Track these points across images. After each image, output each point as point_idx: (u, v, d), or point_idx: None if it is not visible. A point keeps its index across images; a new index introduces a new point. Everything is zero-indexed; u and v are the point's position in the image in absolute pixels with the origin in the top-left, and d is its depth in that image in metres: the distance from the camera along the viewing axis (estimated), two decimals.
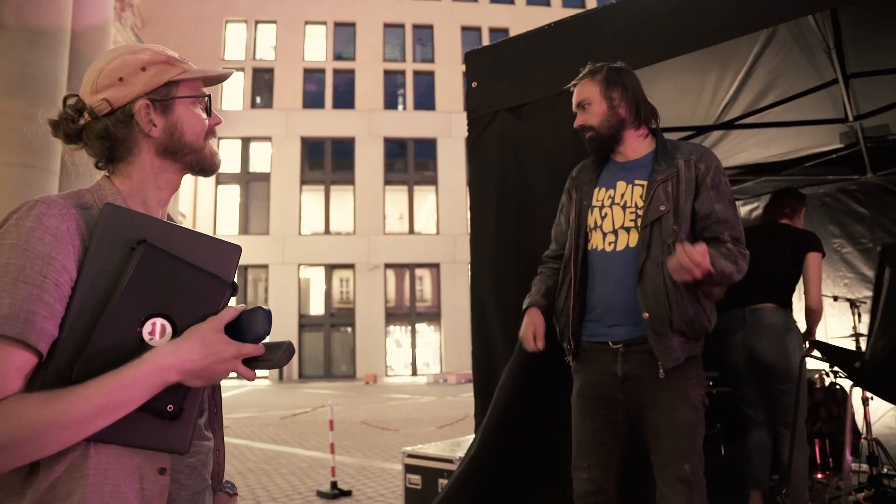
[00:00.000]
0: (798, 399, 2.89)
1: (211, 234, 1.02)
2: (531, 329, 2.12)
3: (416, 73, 28.84)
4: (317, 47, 28.63)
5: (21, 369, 0.82)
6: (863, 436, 3.59)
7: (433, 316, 27.01)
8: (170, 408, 0.91)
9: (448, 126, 27.56)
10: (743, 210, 5.19)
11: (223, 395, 1.15)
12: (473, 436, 2.91)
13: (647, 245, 1.95)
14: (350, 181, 27.29)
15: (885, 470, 3.51)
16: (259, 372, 0.95)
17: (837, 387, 3.74)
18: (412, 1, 29.07)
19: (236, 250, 1.00)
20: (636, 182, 2.05)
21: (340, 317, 26.60)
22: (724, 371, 3.54)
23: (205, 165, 1.07)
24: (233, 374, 0.94)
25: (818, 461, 3.56)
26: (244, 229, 26.59)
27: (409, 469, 3.48)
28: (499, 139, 3.06)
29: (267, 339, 0.95)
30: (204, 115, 1.07)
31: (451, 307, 26.01)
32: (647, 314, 1.92)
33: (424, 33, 29.24)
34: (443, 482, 3.21)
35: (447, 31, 29.04)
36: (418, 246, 26.97)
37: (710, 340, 2.11)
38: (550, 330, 2.17)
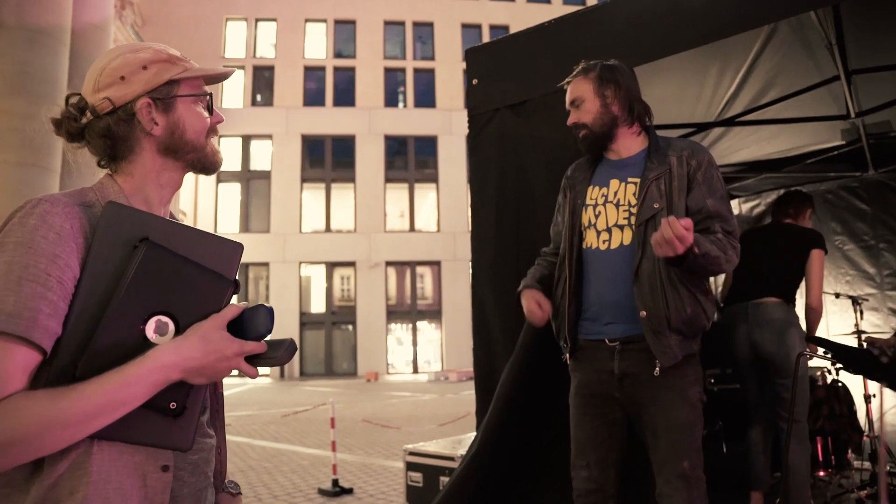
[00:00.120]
0: (794, 395, 2.89)
1: (212, 232, 1.02)
2: (533, 302, 2.11)
3: (417, 71, 28.81)
4: (317, 45, 28.61)
5: (25, 367, 0.82)
6: (865, 433, 3.59)
7: (434, 313, 27.02)
8: (173, 405, 0.91)
9: (448, 124, 27.55)
10: (744, 207, 5.18)
11: (224, 393, 1.15)
12: (475, 433, 2.91)
13: (642, 243, 1.94)
14: (351, 179, 27.28)
15: (888, 467, 3.51)
16: (260, 370, 0.95)
17: (839, 384, 3.74)
18: None
19: (238, 248, 1.00)
20: (629, 180, 2.05)
21: (341, 314, 26.61)
22: (730, 367, 3.56)
23: (206, 164, 1.08)
24: (234, 372, 0.94)
25: (820, 459, 3.55)
26: (245, 227, 26.60)
27: (411, 467, 3.49)
28: (499, 137, 3.06)
29: (268, 337, 0.95)
30: (205, 114, 1.07)
31: (452, 305, 26.02)
32: (644, 312, 1.92)
33: (425, 31, 29.20)
34: (444, 480, 3.21)
35: (447, 28, 29.01)
36: (419, 243, 26.97)
37: (716, 336, 2.11)
38: (551, 329, 2.17)
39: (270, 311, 0.95)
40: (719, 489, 2.40)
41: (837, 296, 4.25)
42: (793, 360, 3.06)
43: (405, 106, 28.71)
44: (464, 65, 3.94)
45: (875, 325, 4.48)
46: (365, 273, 26.37)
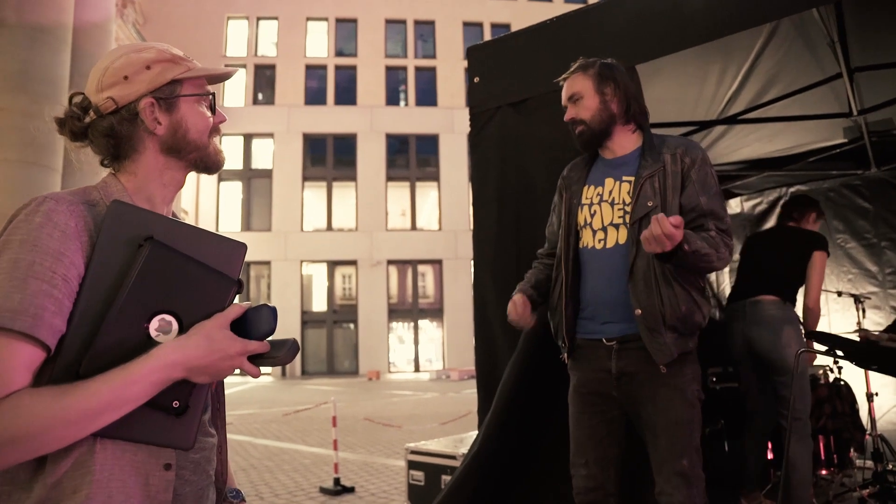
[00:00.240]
0: (793, 393, 2.90)
1: (213, 230, 1.02)
2: (511, 304, 2.13)
3: (418, 69, 28.80)
4: (318, 43, 28.60)
5: (29, 364, 0.83)
6: (867, 432, 3.58)
7: (435, 312, 27.03)
8: (176, 404, 0.91)
9: (450, 122, 27.54)
10: (746, 206, 5.17)
11: (226, 392, 1.15)
12: (476, 432, 2.91)
13: (636, 242, 1.94)
14: (352, 177, 27.29)
15: (890, 466, 3.51)
16: (262, 369, 0.96)
17: (842, 382, 3.73)
18: None
19: (241, 248, 1.00)
20: (624, 179, 2.05)
21: (343, 313, 26.63)
22: (730, 365, 3.57)
23: (209, 163, 1.08)
24: (236, 371, 0.94)
25: (822, 457, 3.55)
26: (246, 226, 26.62)
27: (412, 465, 3.49)
28: (500, 134, 3.06)
29: (270, 337, 0.95)
30: (208, 113, 1.07)
31: (453, 303, 26.03)
32: (639, 311, 1.92)
33: (426, 29, 29.19)
34: (446, 478, 3.21)
35: (449, 26, 28.99)
36: (420, 242, 26.98)
37: (718, 335, 2.11)
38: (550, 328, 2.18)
39: (274, 310, 0.95)
40: (721, 487, 2.41)
41: (839, 294, 4.25)
42: (787, 357, 3.09)
43: (406, 104, 28.70)
44: (465, 63, 3.93)
45: (877, 323, 4.47)
46: (366, 272, 26.38)
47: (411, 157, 28.13)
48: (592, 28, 2.83)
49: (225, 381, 1.08)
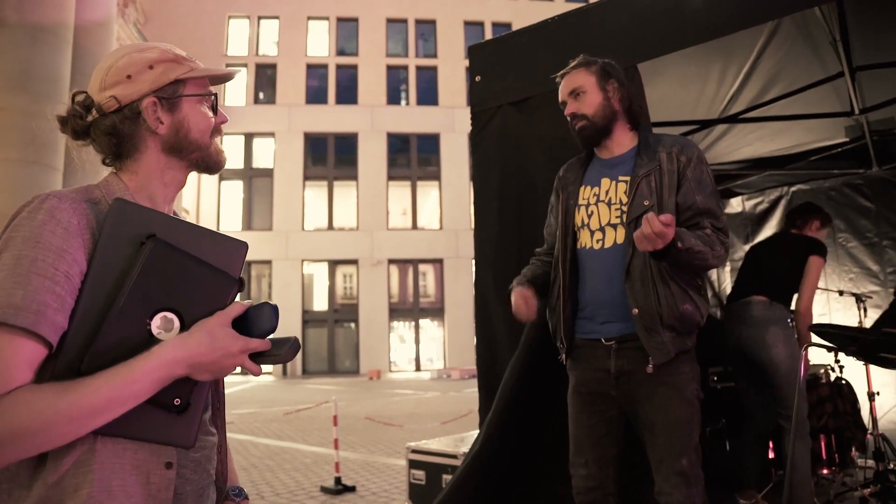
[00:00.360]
0: (797, 392, 2.90)
1: (215, 229, 1.02)
2: (519, 298, 2.11)
3: (419, 69, 28.79)
4: (319, 43, 28.60)
5: (31, 361, 0.83)
6: (869, 431, 3.58)
7: (436, 311, 27.03)
8: (177, 401, 0.92)
9: (451, 121, 27.53)
10: (747, 205, 5.17)
11: (227, 391, 1.15)
12: (477, 431, 2.92)
13: (632, 241, 1.93)
14: (353, 177, 27.29)
15: (892, 465, 3.51)
16: (263, 367, 0.96)
17: (843, 381, 3.73)
18: None
19: (243, 246, 1.01)
20: (620, 178, 2.05)
21: (344, 312, 26.64)
22: (731, 364, 3.58)
23: (210, 163, 1.08)
24: (237, 369, 0.95)
25: (823, 457, 3.55)
26: (247, 225, 26.63)
27: (413, 464, 3.49)
28: (501, 133, 3.06)
29: (272, 335, 0.95)
30: (210, 113, 1.08)
31: (454, 302, 26.03)
32: (636, 310, 1.92)
33: (427, 28, 29.18)
34: (447, 477, 3.22)
35: (450, 26, 28.97)
36: (421, 241, 26.98)
37: (717, 333, 2.11)
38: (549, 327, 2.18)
39: (275, 308, 0.95)
40: (722, 486, 2.41)
41: (841, 293, 4.25)
42: (774, 356, 3.11)
43: (407, 103, 28.69)
44: (466, 62, 3.93)
45: None
46: (367, 271, 26.38)
47: (412, 157, 28.12)
48: (594, 27, 2.83)
49: (225, 379, 1.08)
